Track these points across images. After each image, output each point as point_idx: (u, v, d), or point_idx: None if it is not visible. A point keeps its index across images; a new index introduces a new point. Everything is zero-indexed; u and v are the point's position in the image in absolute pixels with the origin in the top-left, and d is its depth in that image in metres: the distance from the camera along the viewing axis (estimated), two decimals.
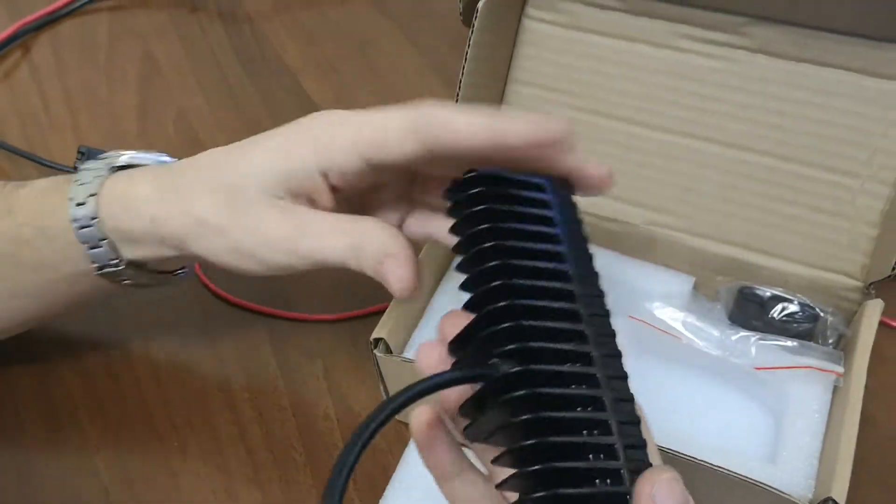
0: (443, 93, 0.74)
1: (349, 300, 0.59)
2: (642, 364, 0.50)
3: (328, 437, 0.53)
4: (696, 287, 0.52)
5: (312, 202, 0.39)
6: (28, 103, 0.77)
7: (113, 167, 0.44)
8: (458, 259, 0.33)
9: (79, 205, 0.42)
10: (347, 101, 0.75)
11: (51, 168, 0.69)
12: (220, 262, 0.41)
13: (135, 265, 0.44)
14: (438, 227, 0.41)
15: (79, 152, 0.66)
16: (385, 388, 0.52)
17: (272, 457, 0.52)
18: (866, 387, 0.51)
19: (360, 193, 0.41)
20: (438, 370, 0.31)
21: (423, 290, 0.51)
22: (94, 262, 0.43)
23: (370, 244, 0.37)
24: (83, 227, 0.42)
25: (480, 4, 0.48)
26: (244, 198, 0.39)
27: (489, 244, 0.31)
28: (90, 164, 0.44)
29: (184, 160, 0.44)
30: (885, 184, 0.47)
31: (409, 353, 0.50)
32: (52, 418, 0.53)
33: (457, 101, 0.51)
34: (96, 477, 0.51)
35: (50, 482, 0.50)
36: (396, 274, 0.37)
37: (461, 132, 0.35)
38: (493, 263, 0.31)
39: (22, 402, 0.54)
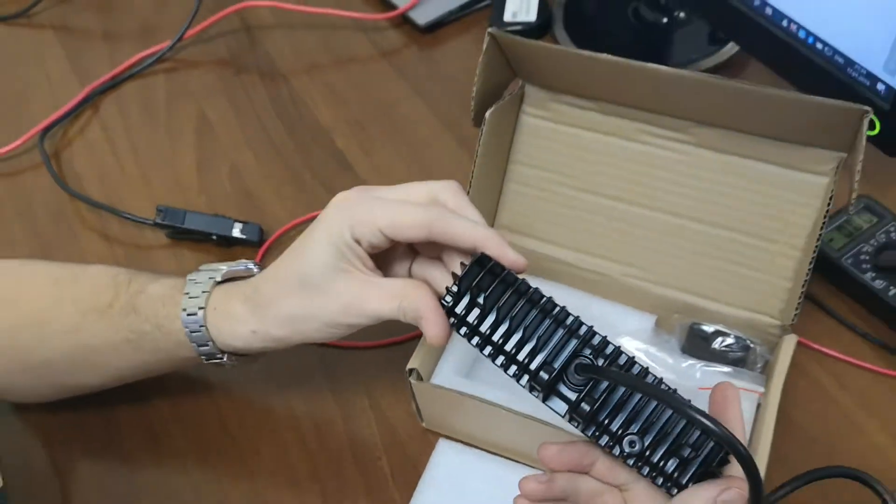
0: (455, 147, 0.88)
1: (388, 330, 0.74)
2: None
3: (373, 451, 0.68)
4: (657, 324, 0.68)
5: (357, 262, 0.54)
6: (103, 161, 0.91)
7: (215, 281, 0.58)
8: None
9: (190, 314, 0.56)
10: (374, 155, 0.89)
11: (131, 220, 0.83)
12: (315, 339, 0.57)
13: (237, 354, 0.59)
14: (433, 273, 0.56)
15: (158, 210, 0.81)
16: (417, 406, 0.67)
17: (324, 465, 0.67)
18: (791, 396, 0.67)
19: (382, 251, 0.55)
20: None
21: None
22: (202, 355, 0.58)
23: (411, 306, 0.52)
24: (194, 332, 0.57)
25: (488, 113, 0.63)
26: (316, 281, 0.54)
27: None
28: (195, 277, 0.58)
29: (260, 274, 0.58)
30: (796, 248, 0.61)
31: (436, 380, 0.65)
32: (150, 433, 0.69)
33: (472, 175, 0.65)
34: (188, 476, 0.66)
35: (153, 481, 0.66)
36: (431, 332, 0.52)
37: (459, 236, 0.50)
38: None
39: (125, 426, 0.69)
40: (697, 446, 0.48)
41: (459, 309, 0.50)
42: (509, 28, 0.95)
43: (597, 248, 0.67)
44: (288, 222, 0.82)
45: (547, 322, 0.49)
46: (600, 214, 0.67)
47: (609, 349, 0.49)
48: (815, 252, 0.58)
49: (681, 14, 0.93)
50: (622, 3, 0.96)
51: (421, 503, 0.64)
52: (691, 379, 0.64)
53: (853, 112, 0.53)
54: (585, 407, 0.48)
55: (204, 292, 0.57)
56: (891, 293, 0.70)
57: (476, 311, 0.50)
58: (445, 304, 0.51)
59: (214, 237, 0.80)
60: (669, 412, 0.48)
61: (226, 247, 0.81)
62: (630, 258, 0.66)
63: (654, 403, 0.49)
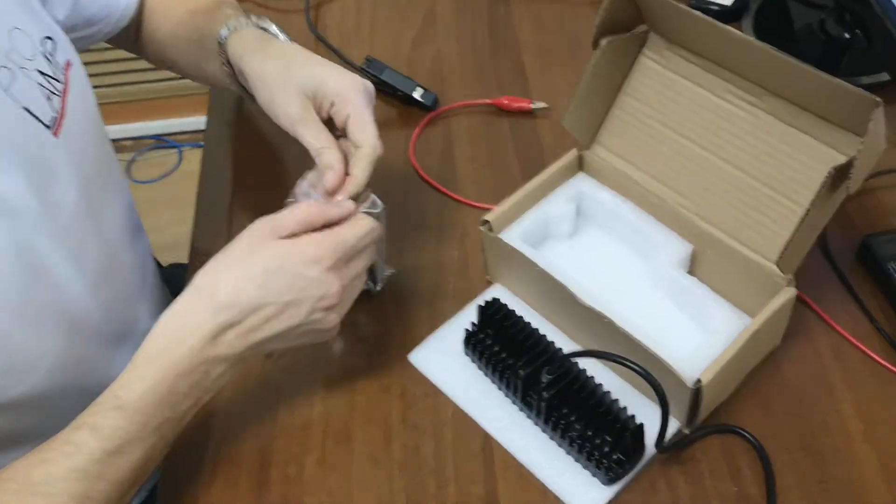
0: None
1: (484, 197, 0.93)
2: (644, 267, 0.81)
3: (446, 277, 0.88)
4: (692, 256, 0.81)
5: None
6: (346, 16, 1.15)
7: (254, 24, 0.82)
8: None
9: (223, 31, 0.81)
10: (548, 76, 1.07)
11: (345, 62, 1.07)
12: (251, 93, 0.80)
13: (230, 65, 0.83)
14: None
15: (366, 59, 1.04)
16: (485, 258, 0.85)
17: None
18: (790, 354, 0.79)
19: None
20: None
21: (530, 201, 0.83)
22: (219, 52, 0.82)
23: (326, 155, 0.73)
24: (220, 41, 0.81)
25: (604, 41, 0.79)
26: (288, 84, 0.75)
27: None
28: (242, 19, 0.82)
29: (279, 47, 0.80)
30: (801, 205, 0.73)
31: (503, 236, 0.82)
32: None
33: (579, 90, 0.82)
34: None
35: None
36: (330, 180, 0.72)
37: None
38: None
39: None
40: (620, 428, 0.70)
41: (477, 334, 0.78)
42: (704, 4, 1.08)
43: (664, 176, 0.81)
44: (460, 101, 1.02)
45: (531, 343, 0.74)
46: (675, 150, 0.81)
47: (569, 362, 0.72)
48: (806, 212, 0.69)
49: (858, 32, 1.02)
50: (813, 14, 1.06)
51: (464, 316, 0.83)
52: (691, 303, 0.78)
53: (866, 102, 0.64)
54: (546, 395, 0.71)
55: (239, 27, 0.82)
56: None
57: (485, 335, 0.77)
58: (468, 331, 0.78)
59: (399, 93, 1.01)
60: (604, 405, 0.71)
61: (406, 104, 1.03)
62: (685, 190, 0.80)
63: (595, 400, 0.71)
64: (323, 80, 0.75)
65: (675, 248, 0.81)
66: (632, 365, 0.67)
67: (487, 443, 0.76)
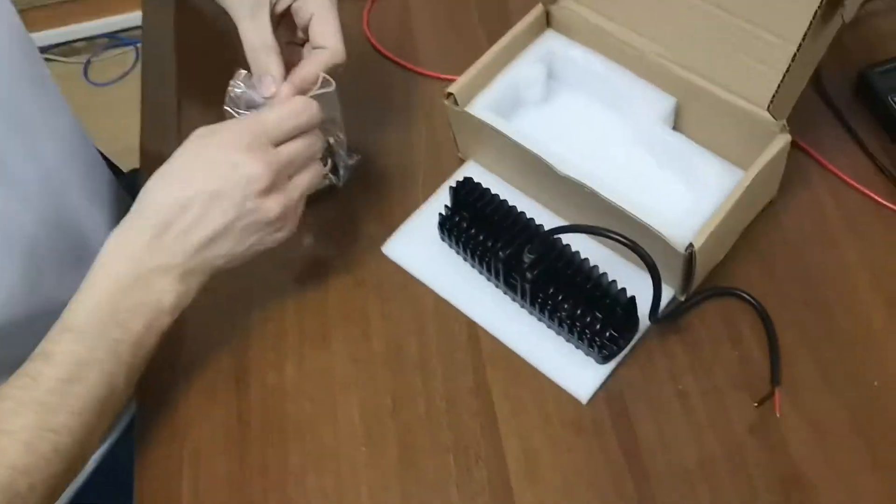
0: None
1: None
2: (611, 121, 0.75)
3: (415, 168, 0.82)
4: (676, 109, 0.75)
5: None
6: None
7: None
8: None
9: None
10: None
11: None
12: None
13: None
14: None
15: None
16: (453, 132, 0.78)
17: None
18: (787, 202, 0.73)
19: None
20: None
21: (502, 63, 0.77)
22: None
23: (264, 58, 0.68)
24: None
25: None
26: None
27: None
28: None
29: None
30: (791, 41, 0.66)
31: (470, 109, 0.76)
32: None
33: None
34: None
35: None
36: (269, 88, 0.68)
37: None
38: None
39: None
40: (610, 310, 0.66)
41: (452, 217, 0.73)
42: None
43: (638, 25, 0.74)
44: None
45: (509, 222, 0.70)
46: None
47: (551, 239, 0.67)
48: (798, 48, 0.62)
49: None
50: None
51: (437, 200, 0.77)
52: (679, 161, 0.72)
53: None
54: (529, 276, 0.67)
55: None
56: None
57: (460, 218, 0.72)
58: (441, 215, 0.73)
59: None
60: (592, 281, 0.67)
61: None
62: (663, 38, 0.73)
63: (582, 276, 0.67)
64: None
65: (657, 103, 0.74)
66: (617, 237, 0.62)
67: (473, 331, 0.72)
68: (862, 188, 0.75)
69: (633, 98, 0.75)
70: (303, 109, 0.65)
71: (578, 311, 0.67)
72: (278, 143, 0.64)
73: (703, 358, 0.69)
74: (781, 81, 0.65)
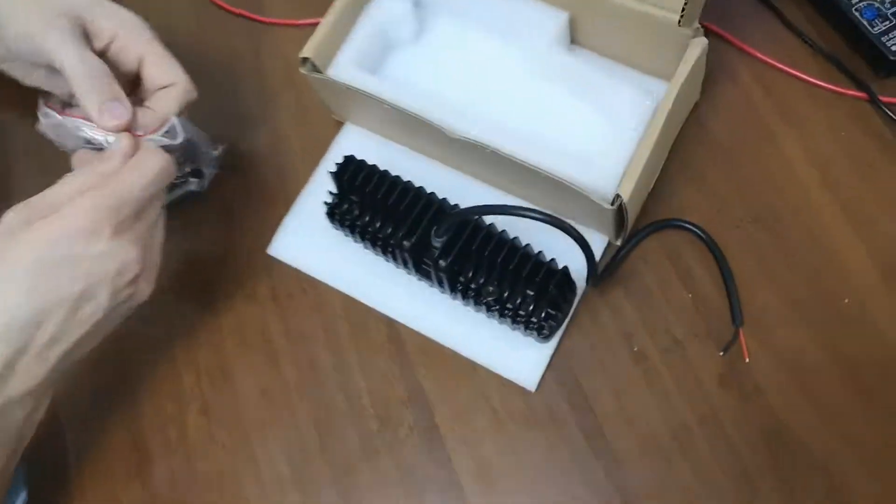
0: None
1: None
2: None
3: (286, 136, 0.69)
4: (570, 23, 0.64)
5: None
6: None
7: None
8: None
9: None
10: None
11: None
12: None
13: None
14: None
15: None
16: (322, 98, 0.66)
17: None
18: (713, 103, 0.64)
19: None
20: None
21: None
22: None
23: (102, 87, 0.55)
24: None
25: None
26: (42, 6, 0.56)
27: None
28: None
29: None
30: None
31: (333, 70, 0.63)
32: None
33: None
34: None
35: None
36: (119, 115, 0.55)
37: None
38: None
39: None
40: (541, 284, 0.57)
41: (339, 206, 0.61)
42: None
43: None
44: None
45: (408, 202, 0.59)
46: None
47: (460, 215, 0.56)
48: None
49: None
50: None
51: (319, 180, 0.66)
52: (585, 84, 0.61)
53: None
54: (442, 263, 0.57)
55: None
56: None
57: (350, 204, 0.61)
58: (327, 204, 0.62)
59: None
60: (518, 259, 0.57)
61: None
62: None
63: (504, 254, 0.57)
64: (91, 11, 0.58)
65: (548, 21, 0.63)
66: (534, 215, 0.52)
67: (393, 330, 0.63)
68: (790, 70, 0.66)
69: (519, 19, 0.64)
70: (160, 170, 0.53)
71: (506, 294, 0.58)
72: (140, 214, 0.52)
73: (654, 308, 0.61)
74: None
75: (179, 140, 0.57)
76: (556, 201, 0.58)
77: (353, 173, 0.61)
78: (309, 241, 0.65)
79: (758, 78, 0.66)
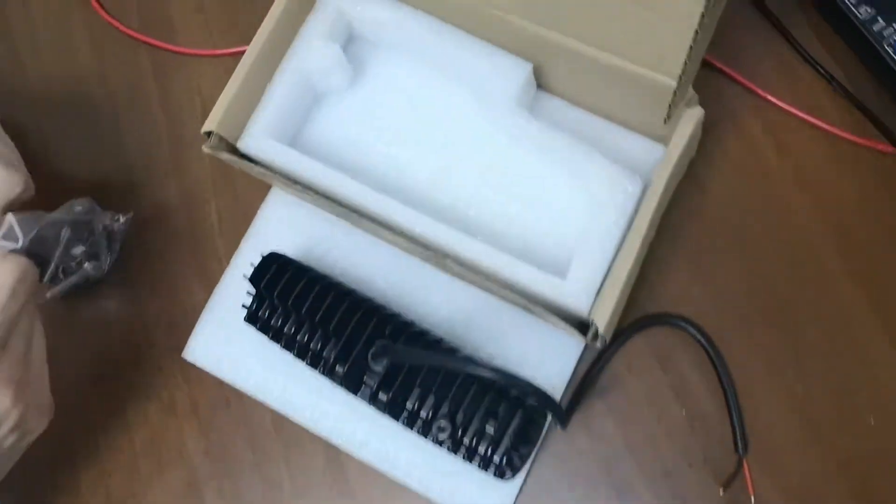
0: None
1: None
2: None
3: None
4: (534, 74, 0.51)
5: None
6: None
7: None
8: None
9: None
10: None
11: None
12: None
13: None
14: None
15: None
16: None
17: None
18: (712, 157, 0.52)
19: None
20: None
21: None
22: None
23: None
24: None
25: None
26: None
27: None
28: None
29: None
30: None
31: (246, 142, 0.51)
32: None
33: None
34: None
35: None
36: None
37: None
38: None
39: None
40: (503, 417, 0.47)
41: (261, 312, 0.50)
42: None
43: None
44: None
45: (343, 312, 0.49)
46: None
47: (410, 326, 0.49)
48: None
49: None
50: None
51: (243, 263, 0.55)
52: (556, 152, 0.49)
53: None
54: (383, 397, 0.48)
55: None
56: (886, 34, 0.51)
57: (273, 312, 0.50)
58: (247, 308, 0.51)
59: None
60: (475, 387, 0.47)
61: None
62: None
63: (459, 381, 0.47)
64: None
65: (509, 71, 0.51)
66: (481, 372, 0.41)
67: (333, 453, 0.53)
68: (809, 117, 0.54)
69: (473, 67, 0.52)
70: (19, 278, 0.43)
71: (460, 429, 0.48)
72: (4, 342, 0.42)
73: (641, 429, 0.51)
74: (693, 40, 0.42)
75: (21, 243, 0.47)
76: (522, 301, 0.47)
77: (275, 276, 0.50)
78: (230, 344, 0.55)
79: (769, 127, 0.54)
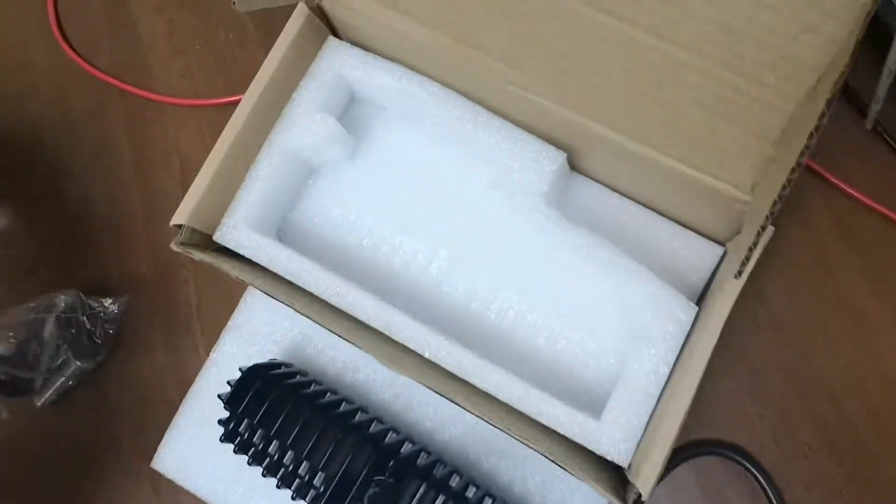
0: None
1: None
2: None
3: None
4: (569, 163, 0.43)
5: None
6: None
7: None
8: None
9: None
10: None
11: None
12: None
13: None
14: None
15: None
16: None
17: None
18: (776, 267, 0.44)
19: None
20: None
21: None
22: None
23: None
24: None
25: None
26: None
27: None
28: None
29: None
30: (788, 99, 0.34)
31: (225, 232, 0.44)
32: None
33: None
34: None
35: None
36: None
37: None
38: None
39: None
40: None
41: (240, 433, 0.43)
42: None
43: (473, 33, 0.40)
44: None
45: (337, 443, 0.42)
46: None
47: (415, 458, 0.42)
48: (828, 103, 0.31)
49: None
50: None
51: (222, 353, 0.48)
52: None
53: None
54: None
55: None
56: None
57: (253, 434, 0.43)
58: (222, 424, 0.43)
59: None
60: None
61: None
62: (523, 59, 0.40)
63: None
64: None
65: (541, 162, 0.42)
66: None
67: None
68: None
69: (499, 151, 0.43)
70: None
71: None
72: None
73: None
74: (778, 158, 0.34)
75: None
76: (543, 447, 0.40)
77: (256, 397, 0.43)
78: (204, 457, 0.47)
79: (842, 225, 0.46)
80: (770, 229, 0.38)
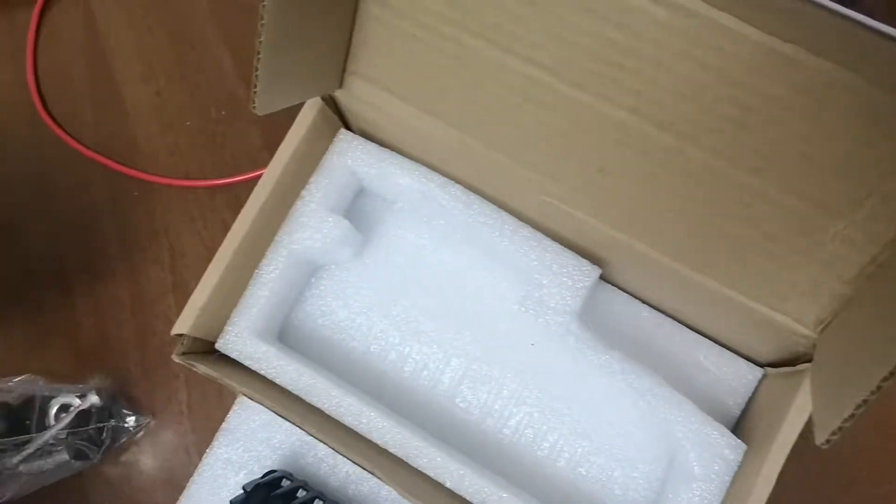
0: None
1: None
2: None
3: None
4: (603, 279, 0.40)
5: None
6: None
7: None
8: None
9: None
10: None
11: None
12: None
13: None
14: None
15: None
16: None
17: None
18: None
19: None
20: None
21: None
22: None
23: None
24: None
25: None
26: None
27: None
28: None
29: None
30: (874, 238, 0.31)
31: (227, 340, 0.40)
32: None
33: None
34: None
35: None
36: None
37: None
38: None
39: None
40: None
41: None
42: None
43: (505, 140, 0.37)
44: None
45: None
46: (519, 92, 0.36)
47: None
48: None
49: None
50: None
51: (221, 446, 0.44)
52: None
53: None
54: None
55: None
56: None
57: None
58: None
59: None
60: None
61: None
62: (559, 172, 0.37)
63: None
64: None
65: (572, 278, 0.39)
66: None
67: None
68: None
69: (524, 262, 0.40)
70: None
71: None
72: None
73: None
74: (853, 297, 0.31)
75: None
76: None
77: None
78: None
79: None
80: None
